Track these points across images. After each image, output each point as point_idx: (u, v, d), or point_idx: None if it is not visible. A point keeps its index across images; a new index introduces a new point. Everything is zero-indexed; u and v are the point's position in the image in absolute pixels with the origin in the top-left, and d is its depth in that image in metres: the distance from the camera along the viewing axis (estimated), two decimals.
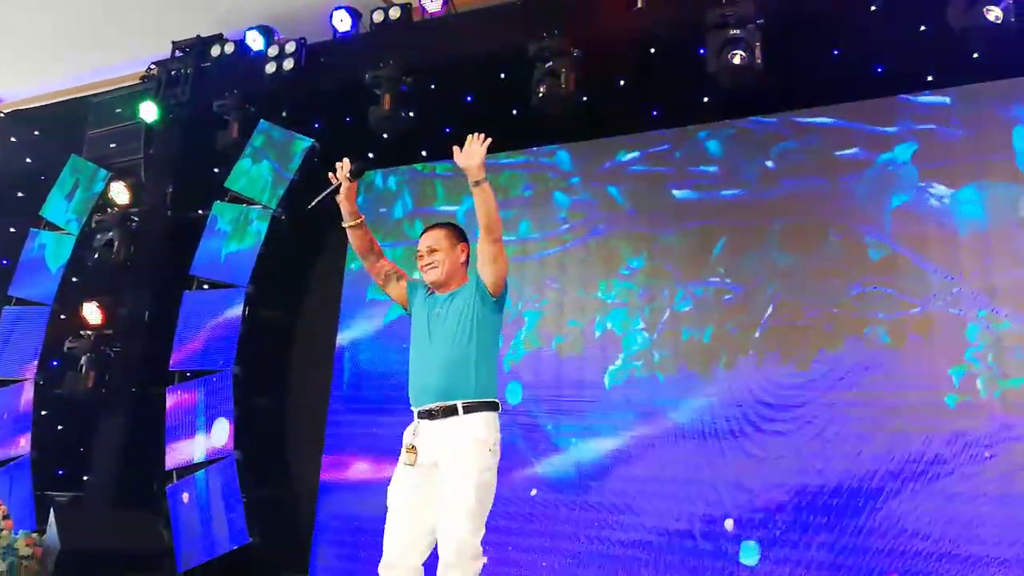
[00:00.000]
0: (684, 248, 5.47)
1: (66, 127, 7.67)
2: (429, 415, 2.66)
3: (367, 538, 5.84)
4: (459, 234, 2.97)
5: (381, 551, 5.70)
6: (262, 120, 6.69)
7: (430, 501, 2.61)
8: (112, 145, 7.32)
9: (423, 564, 2.69)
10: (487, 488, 2.57)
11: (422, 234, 2.95)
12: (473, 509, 2.52)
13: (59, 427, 6.81)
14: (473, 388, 2.67)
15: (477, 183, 2.64)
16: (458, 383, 2.66)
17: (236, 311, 6.30)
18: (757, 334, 5.08)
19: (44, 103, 8.23)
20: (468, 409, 2.64)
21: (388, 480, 5.79)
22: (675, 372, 5.27)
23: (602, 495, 5.20)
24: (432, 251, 2.85)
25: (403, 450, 2.66)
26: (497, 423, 2.69)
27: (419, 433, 2.66)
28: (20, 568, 5.63)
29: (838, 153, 5.10)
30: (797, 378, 4.88)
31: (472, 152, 2.66)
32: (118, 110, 7.31)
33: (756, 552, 4.67)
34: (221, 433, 6.07)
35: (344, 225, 2.87)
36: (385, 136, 6.28)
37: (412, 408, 2.72)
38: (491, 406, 2.69)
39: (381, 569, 2.64)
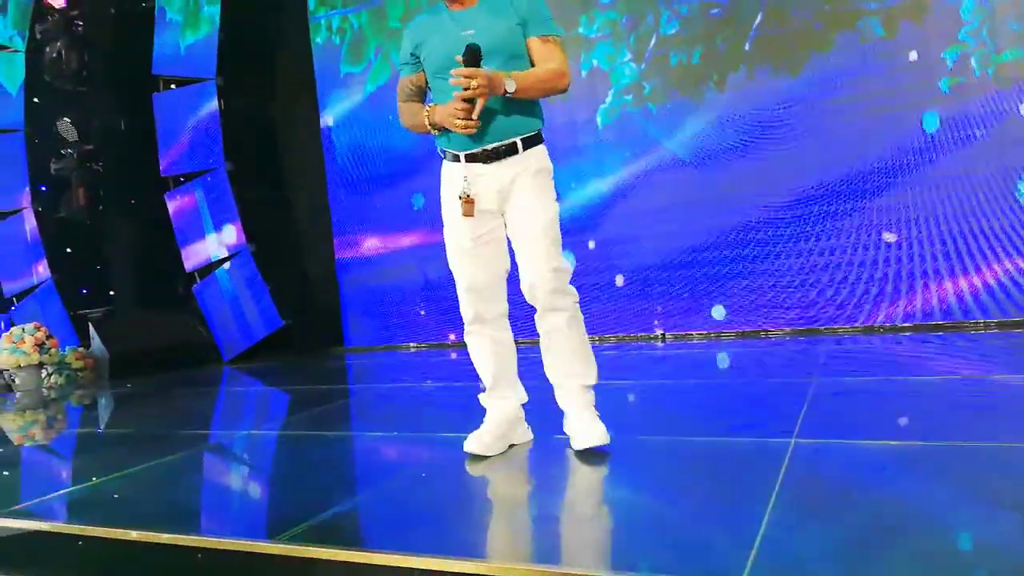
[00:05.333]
0: None
1: None
2: (484, 157, 2.37)
3: (392, 304, 6.20)
4: None
5: (408, 313, 6.09)
6: None
7: (498, 249, 2.44)
8: None
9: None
10: (557, 217, 2.41)
11: None
12: (557, 237, 2.38)
13: (68, 249, 6.91)
14: (529, 120, 2.40)
15: (514, 94, 2.27)
16: (515, 115, 2.36)
17: (212, 106, 6.13)
18: (747, 47, 4.95)
19: None
20: (528, 143, 2.39)
21: (400, 249, 6.10)
22: (666, 101, 5.21)
23: (606, 233, 5.40)
24: None
25: (455, 201, 2.38)
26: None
27: (472, 180, 2.37)
28: (77, 379, 6.06)
29: None
30: (790, 85, 4.83)
31: (476, 77, 2.19)
32: None
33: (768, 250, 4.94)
34: (231, 230, 6.19)
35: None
36: None
37: (456, 152, 2.39)
38: (541, 136, 2.44)
39: (468, 326, 2.52)
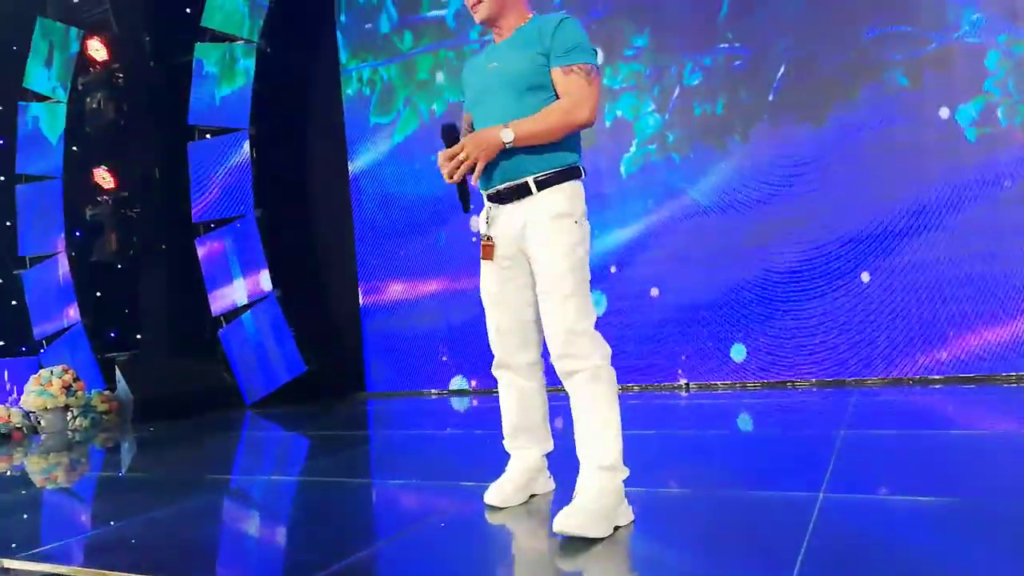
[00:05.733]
0: (688, 17, 5.23)
1: None
2: (499, 198, 2.21)
3: (415, 351, 6.20)
4: None
5: (430, 359, 6.09)
6: None
7: (526, 295, 2.27)
8: (75, 0, 6.96)
9: (541, 356, 2.41)
10: (582, 266, 2.15)
11: None
12: (575, 290, 2.12)
13: (97, 294, 7.03)
14: (548, 156, 2.15)
15: (513, 142, 2.12)
16: (526, 152, 2.14)
17: (244, 155, 6.27)
18: (771, 97, 4.98)
19: None
20: (543, 184, 2.15)
21: (423, 296, 6.13)
22: (690, 151, 5.24)
23: (631, 280, 5.38)
24: None
25: (481, 243, 2.26)
26: (581, 192, 2.21)
27: (493, 221, 2.24)
28: (102, 422, 6.10)
29: None
30: (815, 136, 4.84)
31: (460, 151, 2.12)
32: None
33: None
34: (258, 276, 6.28)
35: None
36: None
37: (481, 192, 2.28)
38: (570, 174, 2.19)
39: (493, 370, 2.43)
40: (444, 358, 6.04)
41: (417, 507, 2.73)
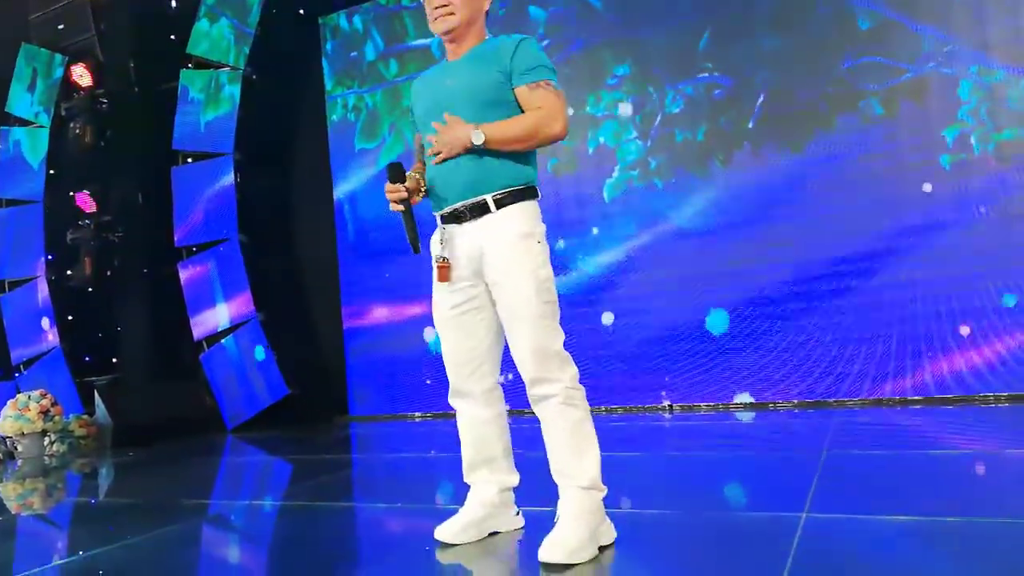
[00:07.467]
0: (669, 47, 5.33)
1: (7, 16, 7.26)
2: (455, 218, 2.16)
3: (398, 374, 6.18)
4: None
5: (414, 384, 6.07)
6: None
7: (483, 318, 2.22)
8: (60, 27, 6.97)
9: (501, 384, 2.36)
10: (549, 285, 2.11)
11: None
12: (542, 312, 2.08)
13: (73, 317, 6.91)
14: (506, 174, 2.12)
15: (484, 144, 2.10)
16: (485, 171, 2.11)
17: (228, 179, 6.27)
18: (750, 125, 5.07)
19: None
20: (501, 203, 2.12)
21: (408, 319, 6.12)
22: (672, 176, 5.31)
23: (615, 302, 5.41)
24: None
25: (434, 266, 2.20)
26: (539, 211, 2.19)
27: (448, 242, 2.18)
28: (79, 447, 6.01)
29: None
30: (794, 163, 4.92)
31: (451, 137, 2.12)
32: None
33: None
34: (241, 300, 6.24)
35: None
36: None
37: (434, 213, 2.24)
38: (529, 193, 2.16)
39: (450, 399, 2.36)
40: (428, 381, 6.03)
41: (401, 531, 2.71)
